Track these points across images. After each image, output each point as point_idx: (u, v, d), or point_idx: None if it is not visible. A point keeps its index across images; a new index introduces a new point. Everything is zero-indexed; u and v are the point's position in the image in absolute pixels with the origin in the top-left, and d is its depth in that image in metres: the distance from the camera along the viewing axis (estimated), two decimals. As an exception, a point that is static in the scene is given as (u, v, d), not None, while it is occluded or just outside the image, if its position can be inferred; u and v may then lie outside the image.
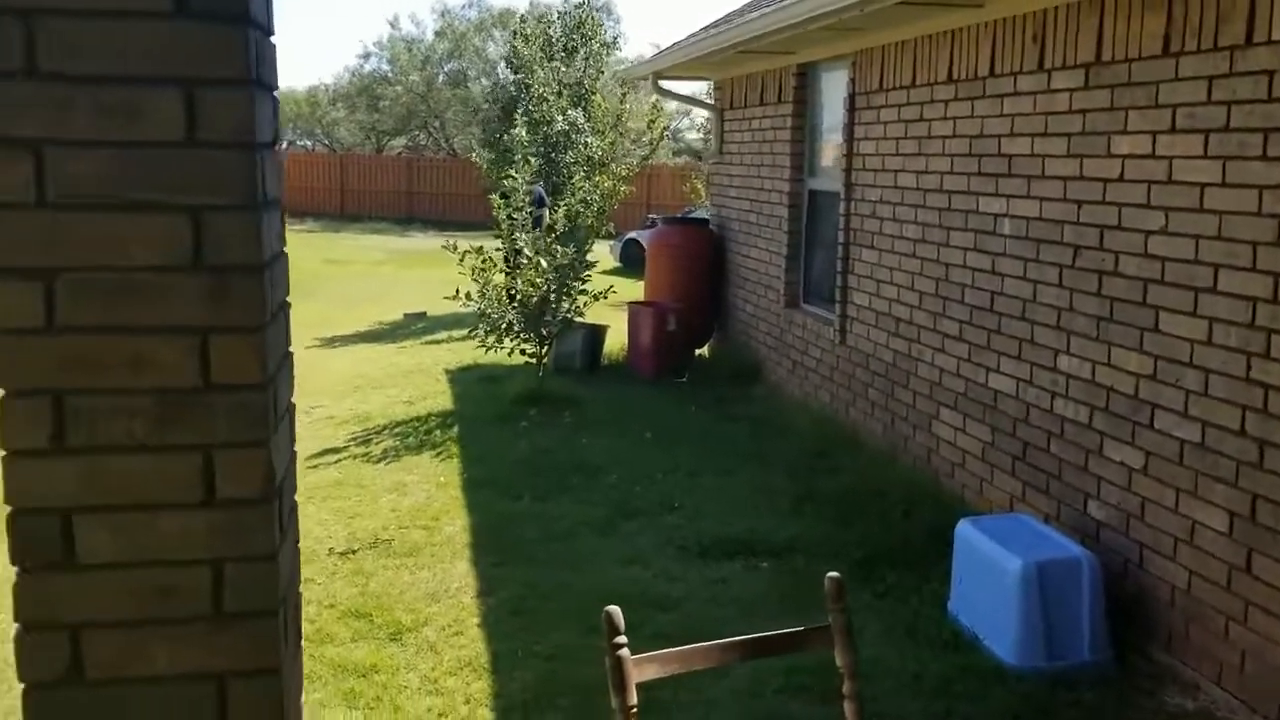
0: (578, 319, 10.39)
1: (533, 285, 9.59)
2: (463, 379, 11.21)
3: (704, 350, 12.10)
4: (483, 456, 8.34)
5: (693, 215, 13.41)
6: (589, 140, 15.66)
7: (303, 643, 2.66)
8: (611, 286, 11.17)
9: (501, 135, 15.43)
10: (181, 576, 1.84)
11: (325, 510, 7.17)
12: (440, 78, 43.86)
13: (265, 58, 1.89)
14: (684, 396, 10.32)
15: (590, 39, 15.42)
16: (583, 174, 15.59)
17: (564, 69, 15.57)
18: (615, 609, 2.57)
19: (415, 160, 41.65)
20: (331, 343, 13.98)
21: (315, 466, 8.15)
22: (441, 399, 10.26)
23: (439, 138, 45.18)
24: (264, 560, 1.86)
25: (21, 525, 1.80)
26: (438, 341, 13.85)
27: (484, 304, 9.68)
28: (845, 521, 6.95)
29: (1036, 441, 6.09)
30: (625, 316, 11.64)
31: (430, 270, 24.14)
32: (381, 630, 5.40)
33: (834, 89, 9.19)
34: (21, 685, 1.83)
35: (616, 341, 12.22)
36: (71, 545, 1.81)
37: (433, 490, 7.58)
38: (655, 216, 18.75)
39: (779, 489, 7.69)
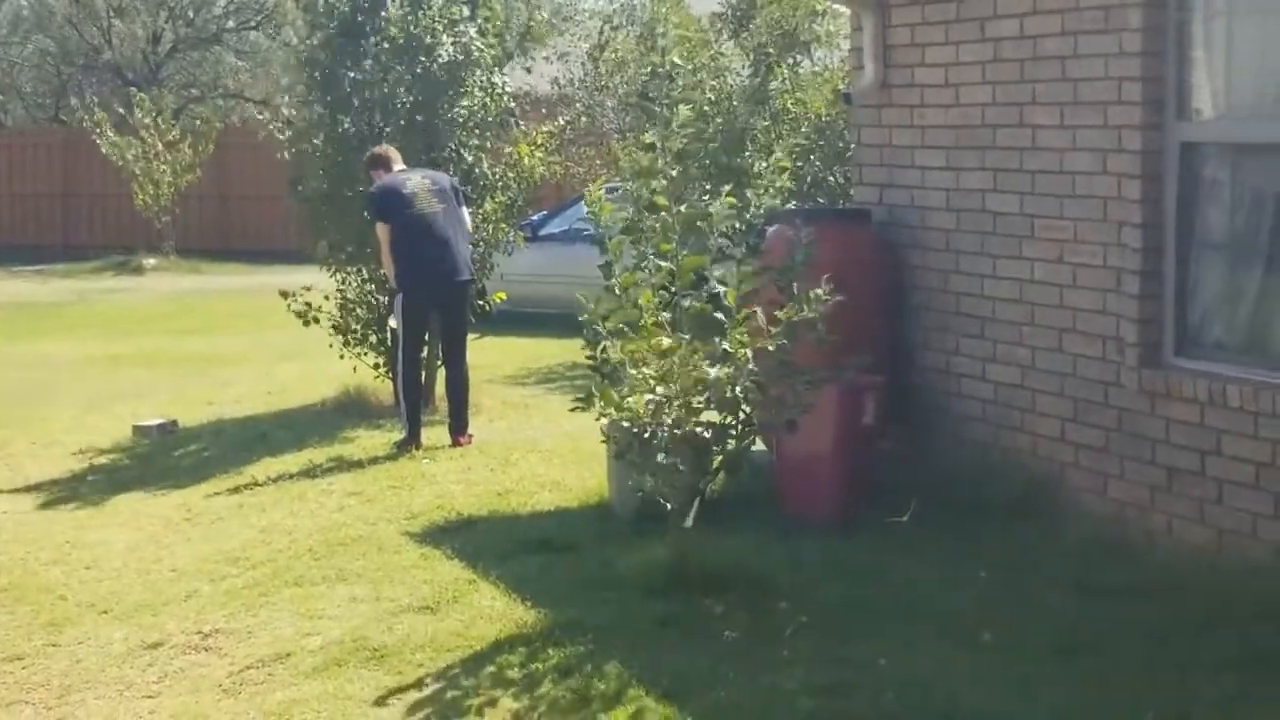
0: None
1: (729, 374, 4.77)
2: (485, 553, 5.64)
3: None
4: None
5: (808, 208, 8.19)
6: (495, 81, 9.14)
7: None
8: None
9: (344, 80, 8.79)
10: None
11: None
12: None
13: None
14: (937, 551, 5.50)
15: None
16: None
17: None
18: None
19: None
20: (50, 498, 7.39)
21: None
22: (499, 603, 4.97)
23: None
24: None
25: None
26: (289, 479, 7.25)
27: (631, 410, 4.67)
28: None
29: None
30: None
31: (42, 340, 12.98)
32: None
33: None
34: None
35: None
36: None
37: None
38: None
39: None
